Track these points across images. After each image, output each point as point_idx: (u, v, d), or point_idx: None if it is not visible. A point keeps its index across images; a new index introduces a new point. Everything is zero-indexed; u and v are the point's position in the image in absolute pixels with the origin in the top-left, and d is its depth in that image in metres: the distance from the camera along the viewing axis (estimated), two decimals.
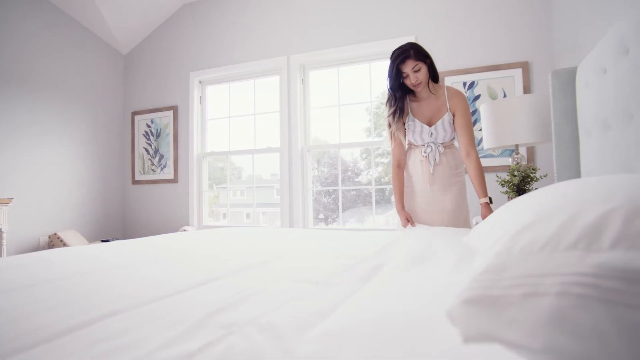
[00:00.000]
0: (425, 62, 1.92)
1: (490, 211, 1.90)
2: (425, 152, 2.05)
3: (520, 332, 0.34)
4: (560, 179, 1.84)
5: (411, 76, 1.91)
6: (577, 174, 1.77)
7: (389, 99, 2.05)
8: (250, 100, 3.96)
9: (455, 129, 2.01)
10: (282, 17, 3.67)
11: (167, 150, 4.13)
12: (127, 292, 0.75)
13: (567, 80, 1.78)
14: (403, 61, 1.90)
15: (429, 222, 2.07)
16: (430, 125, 2.03)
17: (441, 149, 2.03)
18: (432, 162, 2.04)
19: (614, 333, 0.31)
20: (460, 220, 2.03)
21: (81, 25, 3.94)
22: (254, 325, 0.58)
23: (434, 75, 1.99)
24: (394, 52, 1.95)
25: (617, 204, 0.42)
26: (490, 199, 1.92)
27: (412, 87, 1.96)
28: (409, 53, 1.89)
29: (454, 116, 2.00)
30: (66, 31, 3.80)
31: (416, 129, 2.04)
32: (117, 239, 4.07)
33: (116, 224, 4.29)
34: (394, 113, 2.02)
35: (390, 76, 1.97)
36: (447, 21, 3.12)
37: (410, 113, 2.06)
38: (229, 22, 3.90)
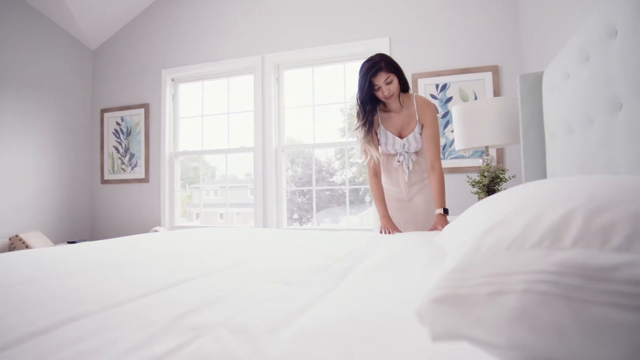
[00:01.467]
0: (396, 74, 1.92)
1: (445, 221, 1.94)
2: (399, 161, 2.11)
3: (486, 330, 0.35)
4: (527, 180, 1.90)
5: (383, 88, 1.90)
6: (544, 175, 1.84)
7: (358, 113, 2.02)
8: (224, 99, 3.91)
9: (422, 139, 2.05)
10: (257, 16, 3.64)
11: (138, 149, 4.03)
12: (95, 295, 0.73)
13: (534, 85, 1.85)
14: (375, 74, 1.88)
15: (403, 226, 2.12)
16: (401, 136, 2.08)
17: (414, 157, 2.10)
18: (407, 170, 2.11)
19: (572, 327, 0.33)
20: (431, 221, 2.08)
21: (46, 18, 3.79)
22: (225, 326, 0.57)
23: (403, 86, 2.01)
24: (363, 65, 1.93)
25: (578, 203, 0.43)
26: (446, 210, 1.97)
27: (384, 100, 1.96)
28: (381, 65, 1.88)
29: (422, 126, 2.04)
30: (30, 24, 3.65)
31: (388, 140, 2.08)
32: (85, 240, 3.94)
33: (84, 224, 4.15)
34: (362, 126, 2.01)
35: (361, 89, 1.94)
36: (420, 24, 3.17)
37: (381, 124, 2.08)
38: (203, 20, 3.84)
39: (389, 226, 2.03)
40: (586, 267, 0.35)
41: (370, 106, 1.97)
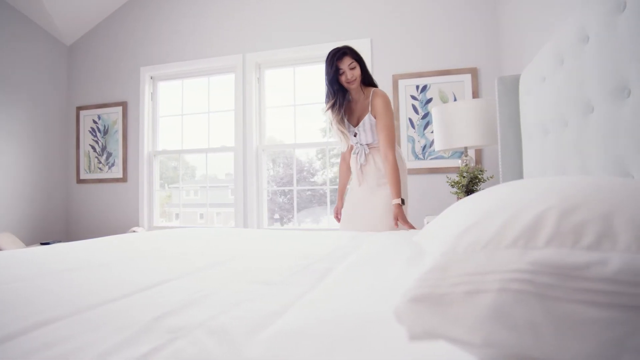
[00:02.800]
0: (359, 63, 2.05)
1: (401, 211, 1.99)
2: (355, 152, 2.19)
3: (463, 329, 0.36)
4: (505, 180, 1.94)
5: (347, 72, 2.03)
6: (520, 175, 1.88)
7: (327, 94, 2.13)
8: (204, 98, 3.87)
9: (377, 131, 2.10)
10: (238, 15, 3.61)
11: (116, 147, 3.94)
12: (69, 297, 0.71)
13: (511, 87, 1.89)
14: (340, 58, 2.03)
15: (357, 221, 2.15)
16: (355, 126, 2.15)
17: (367, 149, 2.15)
18: (359, 163, 2.17)
19: (545, 324, 0.34)
20: (389, 222, 2.05)
21: (18, 12, 3.66)
22: (203, 328, 0.56)
23: (365, 78, 2.11)
24: (330, 52, 2.07)
25: (551, 204, 0.45)
26: (403, 200, 2.01)
27: (346, 84, 2.07)
28: (346, 51, 2.04)
29: (376, 118, 2.09)
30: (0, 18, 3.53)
31: (350, 130, 2.17)
32: (59, 242, 3.83)
33: (58, 225, 4.04)
34: (333, 105, 2.11)
35: (327, 72, 2.07)
36: (401, 26, 3.20)
37: (344, 114, 2.16)
38: (183, 17, 3.79)
39: (335, 215, 2.30)
40: (559, 265, 0.36)
41: (337, 86, 2.08)
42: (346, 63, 2.02)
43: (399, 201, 1.99)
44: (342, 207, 2.33)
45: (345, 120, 2.15)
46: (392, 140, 2.06)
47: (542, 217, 0.43)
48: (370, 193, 2.14)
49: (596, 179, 0.56)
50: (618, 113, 0.97)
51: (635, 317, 0.33)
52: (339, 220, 2.23)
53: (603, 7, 1.02)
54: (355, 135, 2.16)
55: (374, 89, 2.13)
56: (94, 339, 0.53)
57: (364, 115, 2.11)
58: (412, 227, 1.95)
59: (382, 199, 2.09)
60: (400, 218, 1.98)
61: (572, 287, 0.35)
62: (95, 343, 0.52)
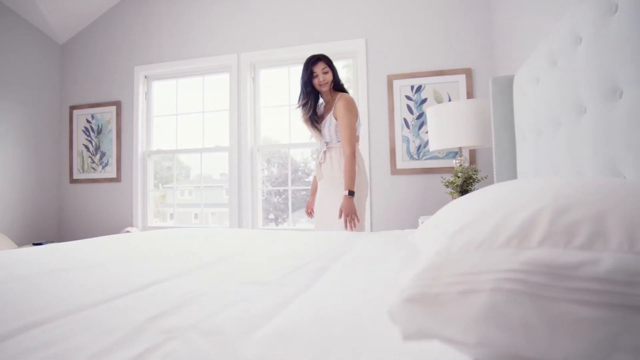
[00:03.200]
0: (332, 70, 2.30)
1: (348, 202, 2.15)
2: (317, 150, 2.43)
3: (456, 328, 0.36)
4: (499, 180, 1.95)
5: (320, 76, 2.28)
6: (514, 176, 1.89)
7: (300, 94, 2.37)
8: (199, 98, 3.85)
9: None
10: (233, 14, 3.61)
11: (110, 147, 3.92)
12: (62, 298, 0.71)
13: (505, 88, 1.90)
14: (315, 62, 2.29)
15: (317, 216, 2.38)
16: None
17: (325, 147, 2.35)
18: (318, 160, 2.38)
19: (538, 324, 0.34)
20: (324, 221, 2.26)
21: (9, 9, 3.63)
22: (197, 329, 0.56)
23: (336, 84, 2.34)
24: (307, 58, 2.33)
25: (544, 204, 0.45)
26: (351, 192, 2.17)
27: (318, 87, 2.31)
28: (321, 57, 2.30)
29: (337, 119, 2.28)
30: None
31: (315, 128, 2.39)
32: (52, 242, 3.81)
33: (51, 225, 4.01)
34: (304, 105, 2.35)
35: (303, 76, 2.33)
36: (396, 26, 3.21)
37: None
38: (178, 16, 3.77)
39: (305, 210, 2.51)
40: (552, 265, 0.37)
41: (310, 88, 2.32)
42: (320, 67, 2.28)
43: (347, 192, 2.16)
44: (312, 202, 2.50)
45: (313, 120, 2.36)
46: (350, 138, 2.22)
47: (536, 217, 0.43)
48: (328, 191, 2.31)
49: (589, 180, 0.56)
50: (610, 114, 0.98)
51: (626, 316, 0.33)
52: (309, 215, 2.38)
53: (595, 9, 1.02)
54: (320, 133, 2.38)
55: (341, 93, 2.33)
56: (88, 340, 0.52)
57: (327, 115, 2.33)
58: (354, 220, 2.13)
59: (338, 198, 2.24)
60: (345, 210, 2.14)
61: (564, 287, 0.35)
62: (89, 343, 0.51)
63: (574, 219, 0.41)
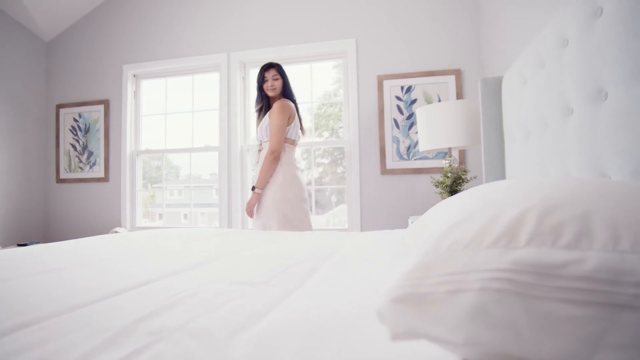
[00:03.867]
0: (282, 79, 2.50)
1: (254, 198, 2.40)
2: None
3: (444, 328, 0.36)
4: (488, 180, 1.97)
5: (269, 81, 2.49)
6: (503, 176, 1.91)
7: (256, 99, 2.61)
8: (188, 97, 3.82)
9: None
10: (223, 13, 3.59)
11: (97, 147, 3.87)
12: (48, 299, 0.69)
13: (494, 89, 1.91)
14: (267, 69, 2.51)
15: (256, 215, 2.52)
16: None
17: (259, 147, 2.52)
18: (256, 159, 2.54)
19: (525, 323, 0.34)
20: (267, 214, 2.38)
21: None
22: (185, 330, 0.56)
23: (286, 93, 2.54)
24: (262, 65, 2.55)
25: (532, 204, 0.45)
26: (253, 187, 2.41)
27: (267, 91, 2.51)
28: (274, 65, 2.52)
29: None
30: None
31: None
32: (38, 243, 3.74)
33: (37, 225, 3.94)
34: (260, 109, 2.58)
35: (257, 81, 2.55)
36: (386, 27, 3.22)
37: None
38: (168, 15, 3.74)
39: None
40: (538, 264, 0.37)
41: (263, 92, 2.54)
42: (271, 74, 2.49)
43: (254, 189, 2.39)
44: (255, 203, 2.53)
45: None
46: (275, 137, 2.37)
47: (523, 217, 0.43)
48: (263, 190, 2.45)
49: (575, 180, 0.57)
50: (596, 115, 0.99)
51: (610, 314, 0.33)
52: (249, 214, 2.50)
53: (581, 11, 1.04)
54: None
55: (284, 99, 2.50)
56: (75, 341, 0.52)
57: (265, 116, 2.50)
58: (250, 215, 2.43)
59: (268, 197, 2.39)
60: (249, 205, 2.42)
61: (551, 286, 0.35)
62: (75, 346, 0.51)
63: (561, 218, 0.42)
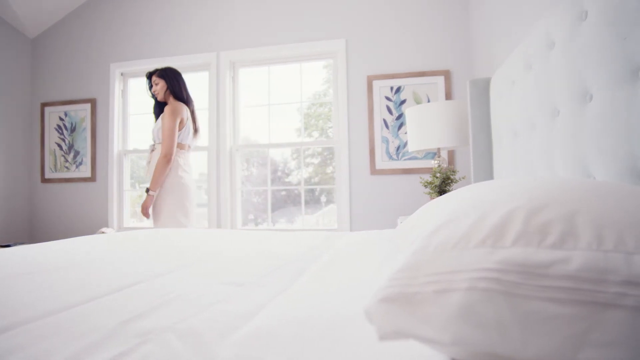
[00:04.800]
0: (165, 81, 2.62)
1: (145, 199, 2.46)
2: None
3: (432, 327, 0.36)
4: (476, 181, 1.99)
5: (153, 87, 2.66)
6: (491, 176, 1.93)
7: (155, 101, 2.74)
8: None
9: None
10: (212, 12, 3.56)
11: (84, 146, 3.81)
12: (33, 301, 0.68)
13: (483, 90, 1.93)
14: (152, 74, 2.69)
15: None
16: None
17: (152, 149, 2.59)
18: (147, 159, 2.62)
19: (511, 322, 0.34)
20: (160, 217, 2.48)
21: None
22: (173, 331, 0.55)
23: (176, 95, 2.63)
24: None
25: (519, 204, 0.46)
26: (147, 189, 2.46)
27: (153, 93, 2.68)
28: (155, 71, 2.68)
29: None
30: None
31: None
32: (22, 244, 3.68)
33: (21, 226, 3.87)
34: (154, 110, 2.73)
35: (147, 85, 2.74)
36: (376, 27, 3.23)
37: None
38: (156, 13, 3.70)
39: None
40: (525, 264, 0.37)
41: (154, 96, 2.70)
42: (153, 79, 2.65)
43: (148, 191, 2.44)
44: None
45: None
46: (167, 141, 2.45)
47: (510, 217, 0.44)
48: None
49: (561, 180, 0.58)
50: (581, 117, 1.01)
51: (594, 312, 0.34)
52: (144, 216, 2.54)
53: (567, 15, 1.05)
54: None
55: (176, 100, 2.60)
56: (59, 344, 0.51)
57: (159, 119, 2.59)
58: (146, 216, 2.48)
59: (160, 199, 2.48)
60: (144, 207, 2.46)
61: (537, 285, 0.36)
62: (60, 348, 0.50)
63: (547, 218, 0.42)
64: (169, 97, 2.62)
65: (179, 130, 2.53)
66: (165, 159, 2.44)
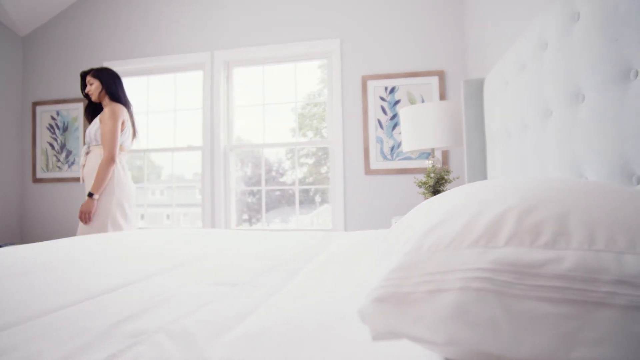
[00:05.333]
0: (100, 82, 2.56)
1: (87, 202, 2.38)
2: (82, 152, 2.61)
3: (425, 327, 0.36)
4: (470, 181, 2.00)
5: (87, 86, 2.59)
6: (485, 176, 1.94)
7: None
8: (170, 96, 3.77)
9: None
10: (206, 11, 3.55)
11: (76, 145, 3.78)
12: (19, 303, 0.67)
13: (476, 90, 1.94)
14: (87, 74, 2.63)
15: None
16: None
17: (87, 149, 2.56)
18: (81, 162, 2.57)
19: (504, 321, 0.35)
20: (99, 219, 2.42)
21: None
22: (165, 332, 0.55)
23: (112, 95, 2.57)
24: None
25: (511, 204, 0.46)
26: (91, 194, 2.39)
27: (87, 92, 2.61)
28: (89, 71, 2.62)
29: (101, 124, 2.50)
30: None
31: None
32: (13, 244, 3.64)
33: (11, 226, 3.83)
34: (85, 110, 2.72)
35: (81, 87, 2.68)
36: (370, 27, 3.23)
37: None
38: (149, 11, 3.68)
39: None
40: (517, 264, 0.38)
41: (89, 97, 2.63)
42: (87, 79, 2.59)
43: (91, 195, 2.38)
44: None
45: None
46: (110, 143, 2.41)
47: (503, 217, 0.44)
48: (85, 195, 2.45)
49: (554, 180, 0.58)
50: (573, 117, 1.02)
51: (585, 311, 0.34)
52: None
53: (560, 16, 1.06)
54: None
55: (115, 102, 2.55)
56: (51, 345, 0.50)
57: (95, 120, 2.56)
58: (87, 223, 2.39)
59: (101, 203, 2.43)
60: (82, 207, 2.39)
61: (529, 285, 0.36)
62: (52, 349, 0.49)
63: (539, 218, 0.42)
64: (104, 98, 2.58)
65: (121, 132, 2.52)
66: (110, 161, 2.41)
